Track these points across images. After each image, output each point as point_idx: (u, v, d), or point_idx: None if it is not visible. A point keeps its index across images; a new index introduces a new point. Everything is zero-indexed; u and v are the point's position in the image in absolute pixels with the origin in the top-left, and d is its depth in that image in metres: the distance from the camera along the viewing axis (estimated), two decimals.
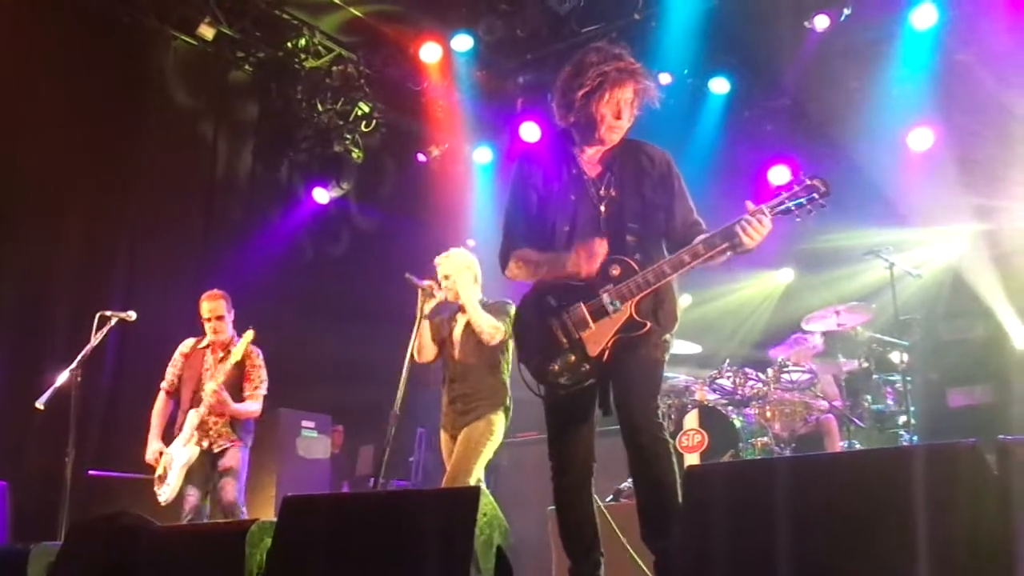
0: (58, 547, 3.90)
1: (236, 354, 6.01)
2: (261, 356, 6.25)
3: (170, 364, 6.28)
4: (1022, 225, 7.67)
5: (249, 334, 6.09)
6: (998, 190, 7.58)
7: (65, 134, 7.30)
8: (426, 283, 5.36)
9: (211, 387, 5.91)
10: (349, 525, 3.19)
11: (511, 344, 5.34)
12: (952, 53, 7.81)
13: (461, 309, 5.46)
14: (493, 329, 5.29)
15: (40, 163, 7.09)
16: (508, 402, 5.37)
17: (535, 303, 3.65)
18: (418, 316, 5.33)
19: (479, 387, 5.34)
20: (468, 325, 5.41)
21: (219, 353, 6.20)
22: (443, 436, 5.47)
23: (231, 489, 5.87)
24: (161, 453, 5.98)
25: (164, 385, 6.24)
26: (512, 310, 5.25)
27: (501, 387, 5.38)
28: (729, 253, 3.47)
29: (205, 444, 5.95)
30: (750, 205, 3.43)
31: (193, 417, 5.96)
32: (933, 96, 7.84)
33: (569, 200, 3.63)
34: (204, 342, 6.28)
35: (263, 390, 6.21)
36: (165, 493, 5.87)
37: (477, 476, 5.21)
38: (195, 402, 6.02)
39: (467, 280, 5.42)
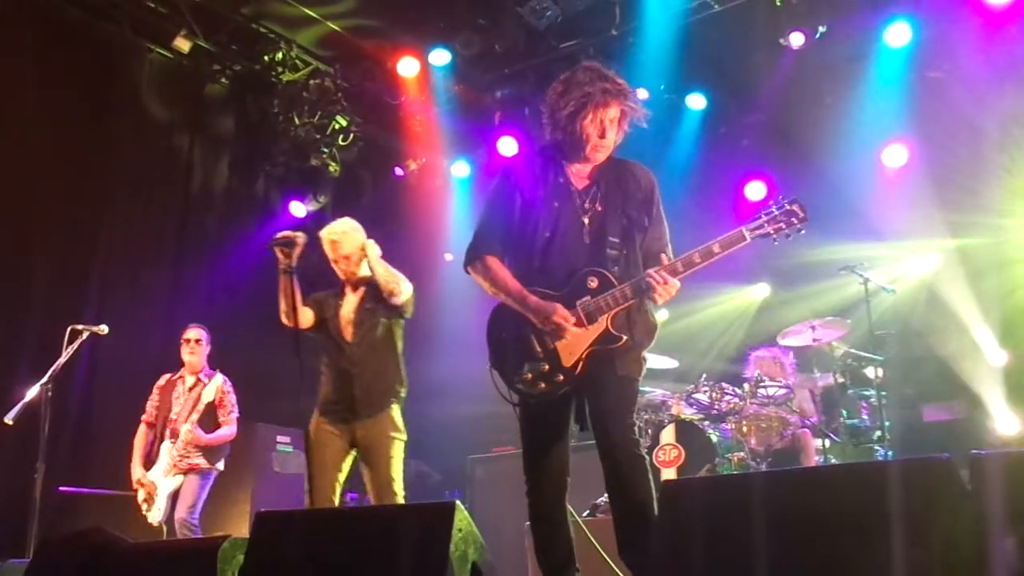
0: (26, 565, 3.84)
1: (208, 395, 6.44)
2: (228, 382, 6.63)
3: (149, 398, 6.66)
4: (995, 241, 7.74)
5: (219, 377, 6.56)
6: (971, 206, 7.65)
7: (38, 146, 7.23)
8: (280, 234, 4.83)
9: (185, 428, 6.31)
10: (323, 541, 3.16)
11: (403, 324, 5.11)
12: (926, 71, 7.91)
13: (351, 286, 5.09)
14: (399, 282, 4.91)
15: (12, 175, 7.00)
16: (404, 392, 5.00)
17: (510, 310, 3.62)
18: (281, 271, 4.80)
19: (381, 373, 4.95)
20: (362, 301, 5.03)
21: (188, 382, 6.61)
22: (323, 427, 4.96)
23: (182, 507, 6.23)
24: (140, 480, 6.34)
25: (144, 417, 6.60)
26: (409, 284, 5.05)
27: (400, 372, 5.00)
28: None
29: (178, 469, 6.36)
30: (746, 231, 3.52)
31: (167, 450, 6.36)
32: (907, 113, 7.93)
33: (552, 207, 3.63)
34: (177, 374, 6.68)
35: (236, 413, 6.61)
36: (156, 516, 6.26)
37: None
38: (171, 433, 6.41)
39: (372, 244, 5.04)
